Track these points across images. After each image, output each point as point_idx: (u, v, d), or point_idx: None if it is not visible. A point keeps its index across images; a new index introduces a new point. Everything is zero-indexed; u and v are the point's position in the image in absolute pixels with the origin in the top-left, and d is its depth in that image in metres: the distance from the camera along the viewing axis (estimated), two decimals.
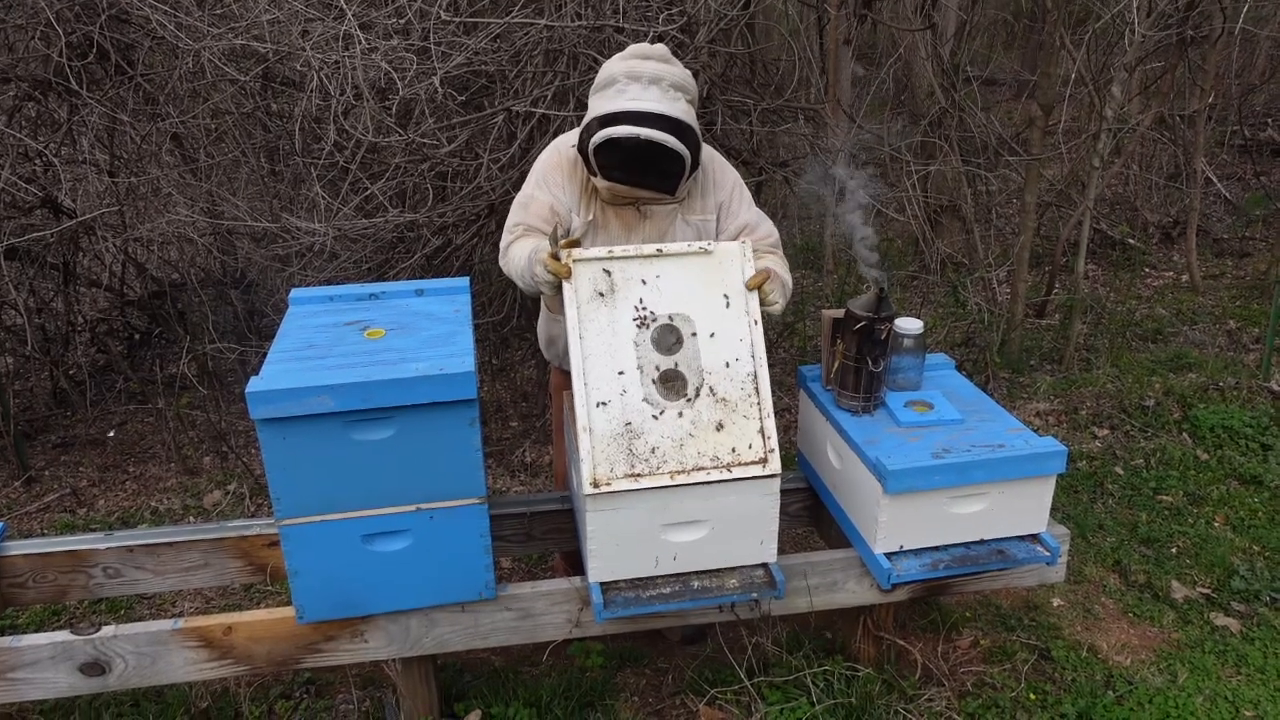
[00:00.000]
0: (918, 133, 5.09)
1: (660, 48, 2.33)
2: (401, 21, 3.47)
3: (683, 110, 2.25)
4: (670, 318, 2.20)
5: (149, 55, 3.98)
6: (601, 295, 2.18)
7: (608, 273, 2.18)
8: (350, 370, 2.00)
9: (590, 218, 2.45)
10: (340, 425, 1.99)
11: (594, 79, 2.35)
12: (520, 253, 2.34)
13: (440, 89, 3.23)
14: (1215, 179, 7.08)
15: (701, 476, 2.12)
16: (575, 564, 2.99)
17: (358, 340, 2.18)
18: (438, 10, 3.32)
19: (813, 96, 5.58)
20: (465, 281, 2.51)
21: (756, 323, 2.22)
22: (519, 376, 4.67)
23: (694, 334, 2.20)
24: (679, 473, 2.12)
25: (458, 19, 3.38)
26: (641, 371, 2.16)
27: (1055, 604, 3.13)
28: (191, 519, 3.75)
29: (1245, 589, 3.17)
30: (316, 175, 3.57)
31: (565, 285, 2.17)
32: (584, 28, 3.29)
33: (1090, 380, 4.66)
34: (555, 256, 2.17)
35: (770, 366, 5.15)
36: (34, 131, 4.19)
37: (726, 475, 2.13)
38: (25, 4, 3.77)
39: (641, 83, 2.24)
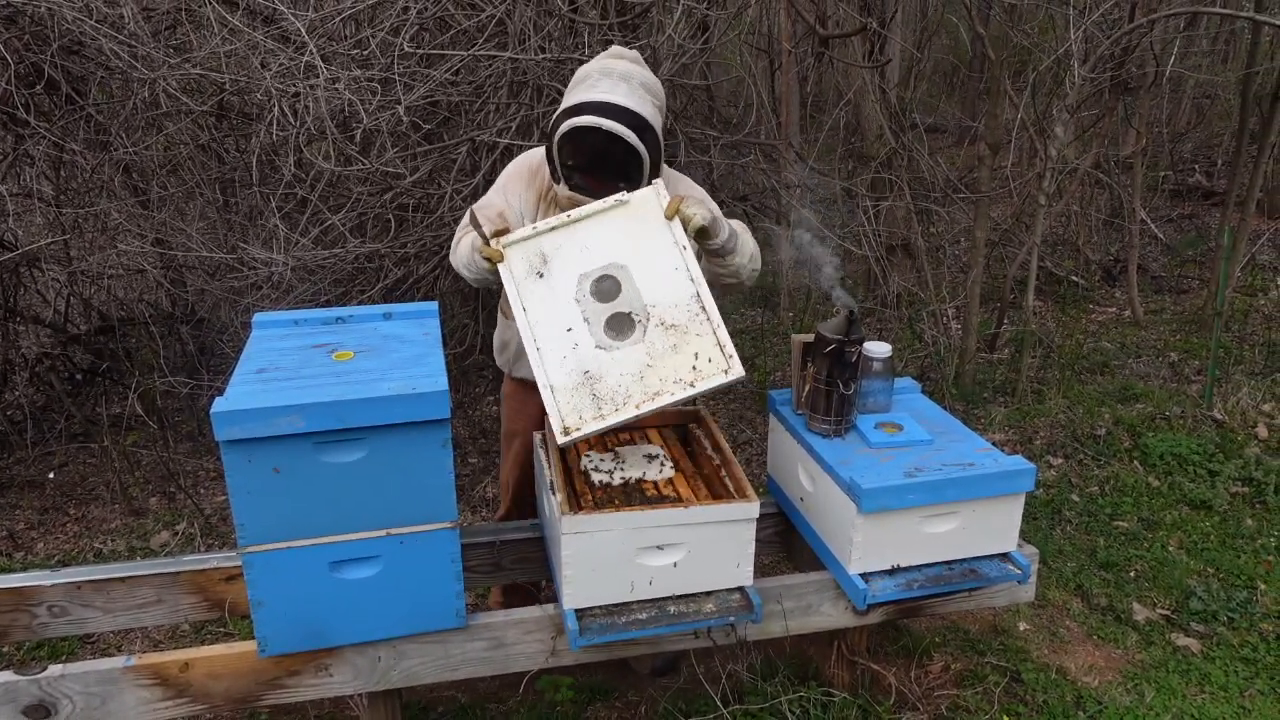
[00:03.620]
0: (869, 172, 5.21)
1: (634, 52, 2.40)
2: (364, 53, 3.47)
3: (649, 111, 2.29)
4: (605, 268, 2.23)
5: (102, 86, 3.91)
6: (538, 270, 2.24)
7: (541, 250, 2.25)
8: (320, 390, 1.95)
9: None
10: (309, 447, 1.93)
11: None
12: (464, 246, 2.40)
13: (405, 119, 3.22)
14: (1149, 220, 7.36)
15: (668, 398, 2.11)
16: (513, 598, 2.93)
17: (326, 362, 2.13)
18: (401, 42, 3.33)
19: (763, 134, 5.70)
20: (434, 305, 2.48)
21: (686, 248, 2.23)
22: (479, 413, 4.61)
23: (631, 277, 2.22)
24: (645, 401, 2.11)
25: (421, 50, 3.39)
26: (589, 323, 2.19)
27: (1022, 628, 3.14)
28: (139, 560, 3.59)
29: (1203, 610, 3.23)
30: (275, 206, 3.51)
31: (502, 269, 2.23)
32: (548, 60, 3.32)
33: (1043, 411, 4.75)
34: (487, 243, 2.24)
35: (730, 401, 5.19)
36: None
37: (691, 390, 2.11)
38: None
39: (612, 78, 2.30)
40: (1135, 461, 4.29)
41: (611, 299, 2.21)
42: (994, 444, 4.29)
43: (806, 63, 6.68)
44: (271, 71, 3.34)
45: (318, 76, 3.22)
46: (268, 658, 2.09)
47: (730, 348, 2.14)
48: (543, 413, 2.72)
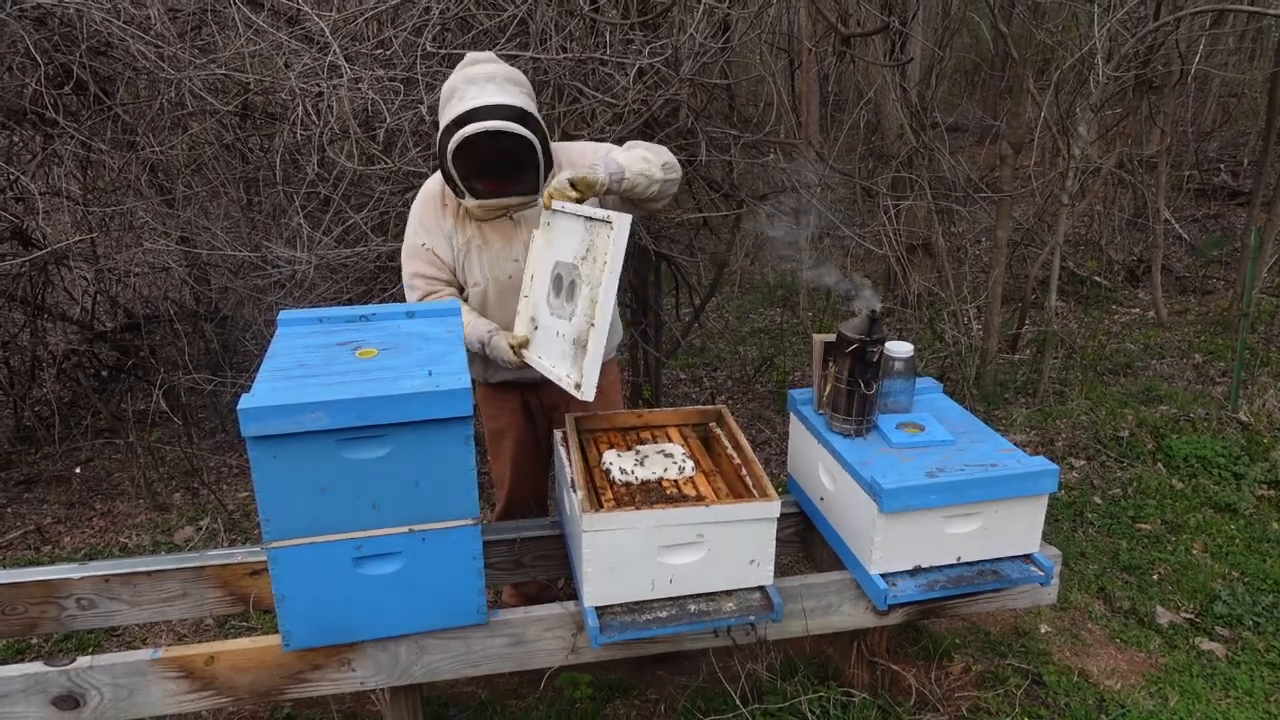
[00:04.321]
0: (889, 171, 5.19)
1: (489, 53, 2.50)
2: (387, 53, 3.49)
3: (522, 100, 2.37)
4: (549, 277, 2.46)
5: (128, 86, 3.95)
6: (535, 327, 2.52)
7: (530, 316, 2.52)
8: (344, 387, 1.96)
9: (467, 238, 2.56)
10: (333, 443, 1.95)
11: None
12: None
13: (427, 118, 3.24)
14: (1174, 221, 7.28)
15: (606, 282, 2.24)
16: (528, 597, 2.96)
17: (350, 359, 2.15)
18: (423, 42, 3.34)
19: (783, 133, 5.68)
20: (456, 303, 2.49)
21: (564, 207, 2.39)
22: None
23: (562, 261, 2.43)
24: (592, 308, 2.27)
25: (443, 50, 3.40)
26: (564, 317, 2.39)
27: (1043, 630, 3.12)
28: (163, 555, 3.64)
29: (1228, 614, 3.20)
30: (298, 205, 3.54)
31: (531, 361, 2.51)
32: (569, 60, 3.33)
33: (1064, 412, 4.71)
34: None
35: (749, 401, 5.18)
36: (6, 160, 4.13)
37: (609, 261, 2.23)
38: (3, 35, 3.74)
39: (477, 84, 2.37)
40: (1159, 464, 4.25)
41: (562, 285, 2.41)
42: (1016, 445, 4.26)
43: (827, 61, 6.67)
44: (295, 71, 3.37)
45: (341, 76, 3.24)
46: (291, 652, 2.11)
47: (610, 213, 2.26)
48: (524, 405, 2.80)
